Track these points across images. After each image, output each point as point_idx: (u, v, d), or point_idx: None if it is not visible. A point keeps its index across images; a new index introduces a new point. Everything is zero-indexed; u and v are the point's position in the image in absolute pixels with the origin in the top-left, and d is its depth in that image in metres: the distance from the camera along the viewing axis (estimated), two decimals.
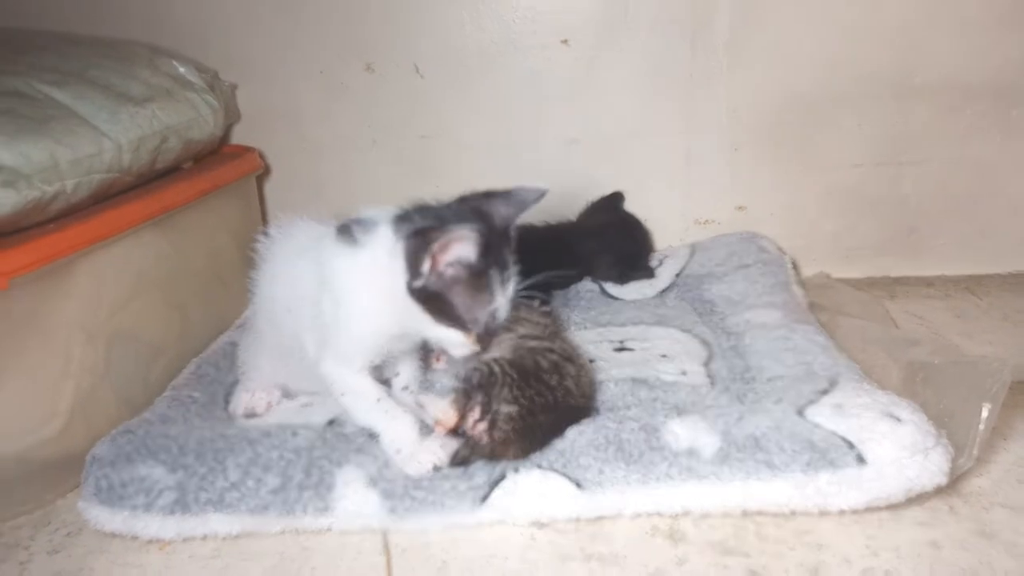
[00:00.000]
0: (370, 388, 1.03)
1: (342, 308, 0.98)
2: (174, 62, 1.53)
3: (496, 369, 1.03)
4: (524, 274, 1.02)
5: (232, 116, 1.69)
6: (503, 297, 0.98)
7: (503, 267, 0.97)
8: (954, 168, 1.66)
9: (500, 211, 0.99)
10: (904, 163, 1.67)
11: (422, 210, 0.98)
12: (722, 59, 1.63)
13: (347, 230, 0.99)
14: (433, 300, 0.95)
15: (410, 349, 1.11)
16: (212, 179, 1.50)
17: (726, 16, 1.59)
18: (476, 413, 1.00)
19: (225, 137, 1.69)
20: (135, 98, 1.35)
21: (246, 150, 1.70)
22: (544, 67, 1.68)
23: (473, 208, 0.98)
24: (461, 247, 0.91)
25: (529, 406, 0.99)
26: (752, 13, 1.59)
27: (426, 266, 0.92)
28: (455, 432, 1.03)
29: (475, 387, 1.02)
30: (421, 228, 0.93)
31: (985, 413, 0.95)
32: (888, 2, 1.56)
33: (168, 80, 1.48)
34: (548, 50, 1.67)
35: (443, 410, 1.03)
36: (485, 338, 0.99)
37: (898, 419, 0.94)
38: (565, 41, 1.66)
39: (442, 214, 0.97)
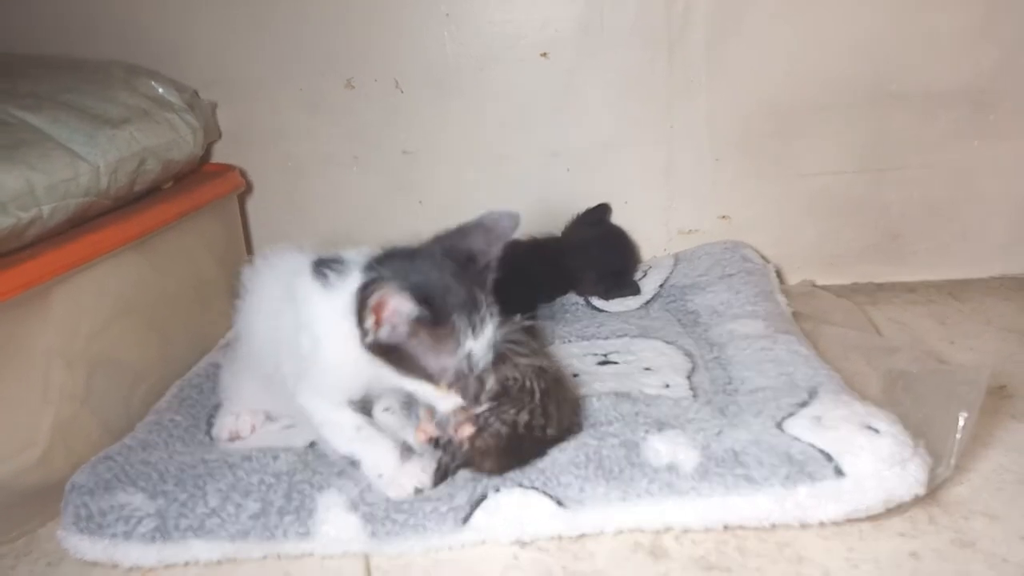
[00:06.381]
0: (349, 418, 1.01)
1: (320, 349, 0.95)
2: (152, 82, 1.52)
3: (528, 385, 1.00)
4: (509, 295, 1.00)
5: (212, 135, 1.68)
6: (477, 342, 0.92)
7: (473, 309, 0.92)
8: (934, 173, 1.67)
9: (478, 246, 0.96)
10: (885, 169, 1.67)
11: (391, 256, 0.95)
12: (700, 71, 1.63)
13: (322, 269, 0.96)
14: (392, 353, 0.92)
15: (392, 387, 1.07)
16: (192, 199, 1.49)
17: (701, 29, 1.60)
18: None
19: (206, 156, 1.68)
20: (112, 120, 1.35)
21: (227, 168, 1.69)
22: (524, 80, 1.68)
23: (449, 248, 0.96)
24: (396, 302, 0.88)
25: (524, 433, 0.98)
26: (727, 26, 1.60)
27: (369, 322, 0.90)
28: (435, 443, 1.02)
29: (502, 391, 0.99)
30: (363, 283, 0.90)
31: (962, 422, 0.95)
32: (862, 13, 1.57)
33: (146, 101, 1.47)
34: (528, 64, 1.67)
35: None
36: (468, 387, 0.94)
37: (876, 431, 0.94)
38: (544, 54, 1.66)
39: (402, 265, 0.93)
